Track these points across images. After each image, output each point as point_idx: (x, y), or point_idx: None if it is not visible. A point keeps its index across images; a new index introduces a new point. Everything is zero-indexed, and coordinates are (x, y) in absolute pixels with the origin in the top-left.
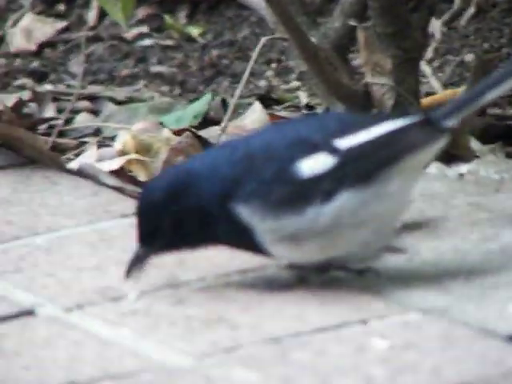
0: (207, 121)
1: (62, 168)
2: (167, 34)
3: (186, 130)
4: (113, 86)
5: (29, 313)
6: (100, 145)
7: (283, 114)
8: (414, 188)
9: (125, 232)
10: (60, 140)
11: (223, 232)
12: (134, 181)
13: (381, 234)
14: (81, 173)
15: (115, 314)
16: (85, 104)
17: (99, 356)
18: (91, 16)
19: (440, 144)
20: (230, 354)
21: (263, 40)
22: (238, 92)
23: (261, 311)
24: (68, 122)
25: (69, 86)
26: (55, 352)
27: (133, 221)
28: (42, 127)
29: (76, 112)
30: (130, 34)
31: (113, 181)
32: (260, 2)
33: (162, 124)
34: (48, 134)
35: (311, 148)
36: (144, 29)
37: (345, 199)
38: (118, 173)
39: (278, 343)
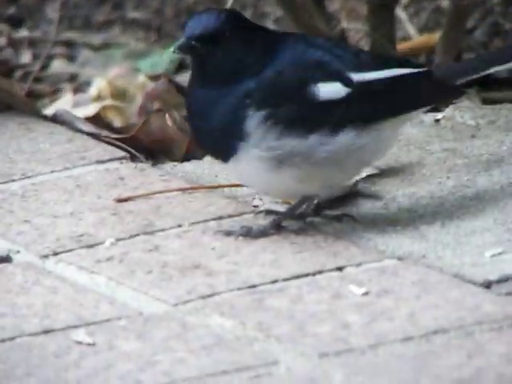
0: (183, 66)
1: (37, 114)
2: None
3: (162, 75)
4: (88, 32)
5: (4, 259)
6: (76, 91)
7: None
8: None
9: (100, 178)
10: (36, 86)
11: (226, 108)
12: (109, 127)
13: (353, 175)
14: (56, 119)
15: (91, 260)
16: (60, 50)
17: (74, 303)
18: None
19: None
20: (206, 301)
21: None
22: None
23: (237, 258)
24: (44, 68)
25: (45, 32)
26: (31, 299)
27: (109, 167)
28: (18, 73)
29: (52, 58)
30: None
31: (88, 127)
32: None
33: (137, 70)
34: (24, 80)
35: (331, 73)
36: None
37: (348, 136)
38: (94, 119)
39: (254, 290)
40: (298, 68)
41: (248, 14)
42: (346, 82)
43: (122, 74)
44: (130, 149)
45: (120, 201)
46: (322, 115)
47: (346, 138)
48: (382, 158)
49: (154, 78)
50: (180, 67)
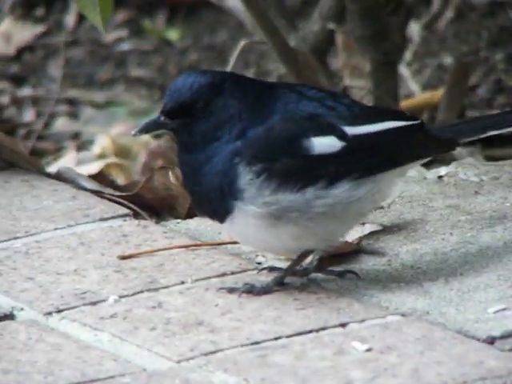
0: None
1: (40, 172)
2: (146, 38)
3: (165, 133)
4: (92, 89)
5: (8, 317)
6: (79, 148)
7: None
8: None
9: (104, 235)
10: (39, 144)
11: (215, 170)
12: (112, 184)
13: (349, 229)
14: (59, 177)
15: (94, 317)
16: (64, 108)
17: (78, 360)
18: (70, 20)
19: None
20: (210, 358)
21: (242, 43)
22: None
23: (240, 315)
24: (47, 125)
25: (48, 90)
26: (34, 356)
27: (112, 224)
28: (22, 131)
29: (55, 116)
30: (109, 38)
31: (91, 184)
32: (238, 5)
33: None
34: (27, 138)
35: (324, 126)
36: (122, 33)
37: (344, 189)
38: (97, 176)
39: (257, 346)
40: (290, 122)
41: (251, 71)
42: (341, 135)
43: (126, 131)
44: (133, 206)
45: (123, 258)
46: (317, 169)
47: (342, 191)
48: (385, 214)
49: (158, 135)
50: None
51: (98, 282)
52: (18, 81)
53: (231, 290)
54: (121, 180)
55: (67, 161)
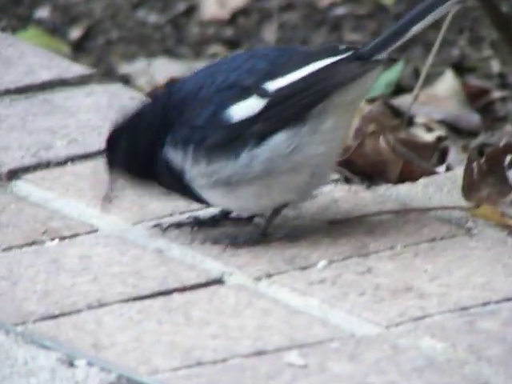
0: (399, 89)
1: None
2: (361, 3)
3: (378, 98)
4: None
5: (217, 281)
6: None
7: (475, 82)
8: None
9: (314, 200)
10: None
11: (161, 176)
12: None
13: (318, 177)
14: None
15: (303, 282)
16: None
17: (287, 325)
18: None
19: (370, 77)
20: (418, 323)
21: (454, 8)
22: (429, 60)
23: (449, 280)
24: None
25: None
26: (243, 320)
27: (323, 190)
28: None
29: None
30: (324, 2)
31: None
32: None
33: None
34: None
35: (241, 92)
36: None
37: (278, 141)
38: None
39: (465, 312)
40: (203, 102)
41: (464, 37)
42: (261, 93)
43: None
44: (344, 171)
45: (334, 223)
46: (243, 132)
47: (275, 142)
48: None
49: (371, 101)
50: (397, 90)
51: (307, 247)
52: (233, 45)
53: (216, 241)
54: None
55: None
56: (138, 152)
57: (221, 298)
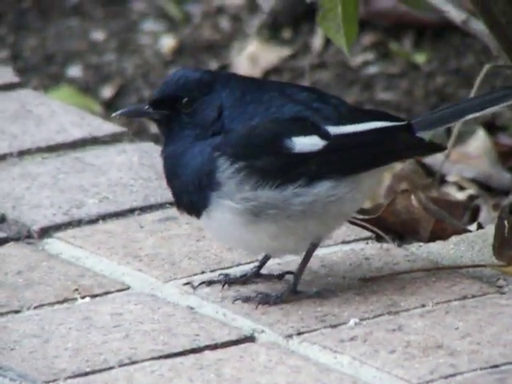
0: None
1: None
2: (393, 61)
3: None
4: None
5: (248, 339)
6: None
7: (507, 141)
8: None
9: (346, 258)
10: None
11: (195, 162)
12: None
13: (332, 228)
14: None
15: (334, 340)
16: None
17: (318, 382)
18: (316, 43)
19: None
20: (449, 381)
21: (486, 67)
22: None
23: (480, 338)
24: None
25: None
26: (274, 378)
27: (354, 247)
28: None
29: None
30: (356, 61)
31: None
32: (483, 29)
33: None
34: None
35: (307, 127)
36: (370, 56)
37: (324, 190)
38: None
39: (496, 370)
40: (271, 123)
41: None
42: (323, 134)
43: None
44: (375, 229)
45: (365, 280)
46: (297, 167)
47: (321, 189)
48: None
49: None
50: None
51: (338, 305)
52: None
53: (246, 300)
54: (366, 204)
55: None
56: (188, 123)
57: (252, 355)
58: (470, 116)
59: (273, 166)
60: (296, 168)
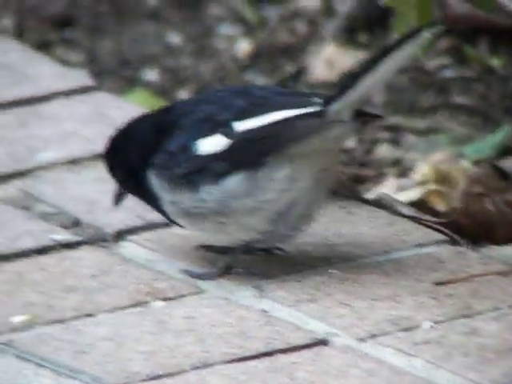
0: (508, 151)
1: (358, 198)
2: (469, 65)
3: (485, 160)
4: (414, 116)
5: (322, 342)
6: (399, 175)
7: None
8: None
9: (420, 262)
10: (360, 170)
11: (145, 195)
12: (431, 211)
13: (283, 223)
14: (377, 203)
15: (408, 343)
16: (386, 134)
17: None
18: None
19: (333, 133)
20: None
21: None
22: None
23: None
24: (368, 152)
25: None
26: (348, 381)
27: (429, 250)
28: (343, 157)
29: (377, 142)
30: (432, 64)
31: (409, 210)
32: None
33: (461, 155)
34: (349, 165)
35: (212, 127)
36: (446, 60)
37: (233, 182)
38: (416, 203)
39: None
40: (180, 130)
41: None
42: (227, 132)
43: (446, 159)
44: (450, 232)
45: (439, 284)
46: (204, 168)
47: (231, 184)
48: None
49: (478, 162)
50: (505, 152)
51: (412, 308)
52: None
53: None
54: (440, 207)
55: (387, 187)
56: (129, 166)
57: (325, 358)
58: (369, 81)
59: (185, 170)
60: (203, 169)
